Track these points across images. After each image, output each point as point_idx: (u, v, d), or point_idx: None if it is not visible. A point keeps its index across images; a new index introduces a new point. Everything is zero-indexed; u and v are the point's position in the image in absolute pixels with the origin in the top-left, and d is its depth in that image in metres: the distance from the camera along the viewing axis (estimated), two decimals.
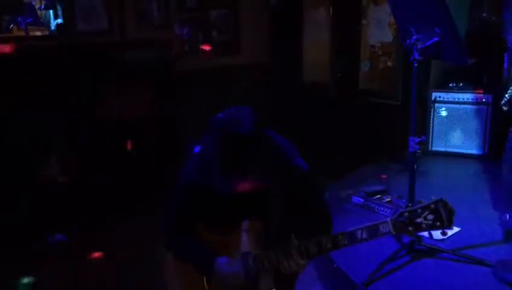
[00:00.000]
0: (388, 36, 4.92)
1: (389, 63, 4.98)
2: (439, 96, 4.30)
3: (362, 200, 3.42)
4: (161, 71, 4.83)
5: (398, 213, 1.75)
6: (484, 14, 4.45)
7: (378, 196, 3.45)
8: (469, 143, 4.21)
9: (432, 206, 1.71)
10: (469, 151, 4.23)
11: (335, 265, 2.78)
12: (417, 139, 2.65)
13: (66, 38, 4.58)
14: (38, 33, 4.64)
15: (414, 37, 2.60)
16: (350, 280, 2.63)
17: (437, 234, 2.96)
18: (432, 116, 4.31)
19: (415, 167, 2.72)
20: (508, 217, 2.90)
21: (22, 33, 4.53)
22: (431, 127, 4.31)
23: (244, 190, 1.83)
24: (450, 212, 1.71)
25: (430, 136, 4.32)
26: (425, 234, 1.79)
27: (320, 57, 5.57)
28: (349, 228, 3.13)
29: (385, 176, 3.90)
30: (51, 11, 4.70)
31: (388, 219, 1.75)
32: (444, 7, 2.49)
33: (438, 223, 1.70)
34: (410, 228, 1.73)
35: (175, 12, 5.17)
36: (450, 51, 2.63)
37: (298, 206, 1.97)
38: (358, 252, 2.85)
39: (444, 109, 4.28)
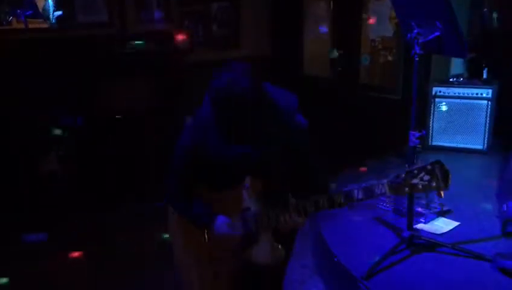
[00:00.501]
0: (389, 30, 4.91)
1: (390, 58, 4.98)
2: (440, 91, 4.29)
3: None
4: (161, 65, 4.82)
5: (394, 174, 1.76)
6: (485, 9, 4.44)
7: None
8: (469, 138, 4.21)
9: (429, 167, 1.72)
10: (469, 146, 4.22)
11: (335, 259, 2.78)
12: (417, 134, 2.64)
13: (66, 31, 4.57)
14: (38, 26, 4.63)
15: (415, 31, 2.59)
16: (350, 274, 2.64)
17: (436, 228, 2.97)
18: (432, 111, 4.31)
19: (415, 161, 2.71)
20: (505, 207, 2.91)
21: (22, 26, 4.52)
22: (431, 122, 4.31)
23: (244, 152, 1.83)
24: (446, 173, 1.73)
25: (430, 131, 4.31)
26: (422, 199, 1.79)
27: (320, 51, 5.56)
28: (348, 220, 3.15)
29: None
30: (50, 2, 4.68)
31: (384, 181, 1.77)
32: (447, 1, 2.48)
33: (434, 184, 1.72)
34: (407, 189, 1.74)
35: (175, 5, 5.15)
36: (451, 45, 2.62)
37: (297, 163, 1.99)
38: (358, 246, 2.87)
39: (444, 103, 4.27)
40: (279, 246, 1.97)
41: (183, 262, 2.19)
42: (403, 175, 1.74)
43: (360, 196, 1.81)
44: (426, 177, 1.72)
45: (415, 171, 1.73)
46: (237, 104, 1.74)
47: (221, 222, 1.98)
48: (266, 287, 2.22)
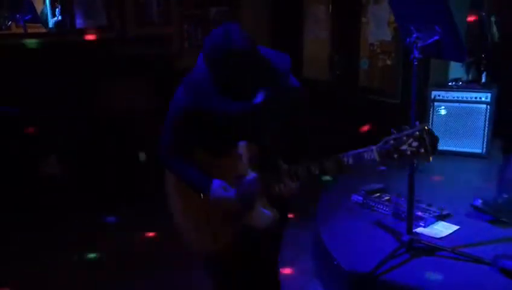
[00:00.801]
0: (387, 35, 4.92)
1: (388, 62, 4.99)
2: (439, 95, 4.30)
3: (361, 198, 3.42)
4: (161, 68, 4.83)
5: (383, 141, 1.75)
6: (483, 14, 4.45)
7: (378, 194, 3.46)
8: (468, 142, 4.21)
9: (417, 133, 1.71)
10: (468, 150, 4.23)
11: (334, 262, 2.78)
12: None
13: (65, 36, 4.58)
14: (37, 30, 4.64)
15: (414, 35, 2.59)
16: (350, 277, 2.64)
17: (436, 232, 2.97)
18: (431, 115, 4.31)
19: (415, 165, 2.72)
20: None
21: (21, 30, 4.52)
22: (430, 126, 4.31)
23: (240, 109, 1.81)
24: (435, 139, 1.72)
25: None
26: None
27: (319, 55, 5.57)
28: (348, 224, 3.15)
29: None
30: (48, 8, 4.68)
31: (373, 147, 1.77)
32: (445, 5, 2.49)
33: (423, 150, 1.70)
34: (396, 156, 1.73)
35: (174, 9, 5.17)
36: (450, 49, 2.63)
37: (292, 126, 2.01)
38: (358, 250, 2.87)
39: (443, 107, 4.28)
40: (275, 211, 1.99)
41: (182, 225, 2.20)
42: (392, 141, 1.73)
43: (351, 162, 1.81)
44: (415, 144, 1.71)
45: (404, 138, 1.72)
46: (235, 60, 1.73)
47: (217, 186, 1.99)
48: (265, 250, 2.24)
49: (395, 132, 1.74)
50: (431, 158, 1.72)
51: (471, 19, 4.23)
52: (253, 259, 2.21)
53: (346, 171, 1.84)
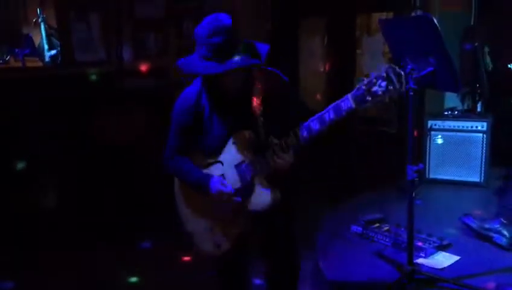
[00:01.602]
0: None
1: None
2: (435, 124, 4.32)
3: (361, 228, 3.39)
4: (159, 100, 4.85)
5: (356, 88, 1.95)
6: (476, 44, 4.52)
7: (377, 224, 3.43)
8: (466, 171, 4.22)
9: (383, 74, 1.90)
10: (465, 179, 4.23)
11: None
12: (415, 168, 2.65)
13: (63, 70, 4.62)
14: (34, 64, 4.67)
15: (409, 66, 2.62)
16: None
17: (437, 263, 2.94)
18: (428, 144, 4.33)
19: (414, 195, 2.71)
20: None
21: (19, 64, 4.55)
22: (428, 155, 4.33)
23: (223, 69, 1.97)
24: (399, 75, 1.91)
25: (427, 164, 4.33)
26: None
27: (316, 87, 5.63)
28: (349, 256, 3.14)
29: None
30: (45, 42, 4.72)
31: (348, 95, 1.97)
32: (440, 37, 2.53)
33: (391, 87, 1.90)
34: (369, 98, 1.92)
35: (172, 41, 5.24)
36: (444, 80, 2.65)
37: (279, 108, 2.15)
38: (358, 281, 2.83)
39: (440, 136, 4.30)
40: (275, 190, 2.14)
41: (193, 231, 2.36)
42: (363, 86, 1.91)
43: (332, 116, 1.99)
44: (383, 84, 1.89)
45: (373, 80, 1.90)
46: (224, 30, 1.97)
47: (215, 181, 2.18)
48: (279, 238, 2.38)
49: (364, 79, 1.93)
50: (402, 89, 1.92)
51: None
52: (269, 247, 2.40)
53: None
